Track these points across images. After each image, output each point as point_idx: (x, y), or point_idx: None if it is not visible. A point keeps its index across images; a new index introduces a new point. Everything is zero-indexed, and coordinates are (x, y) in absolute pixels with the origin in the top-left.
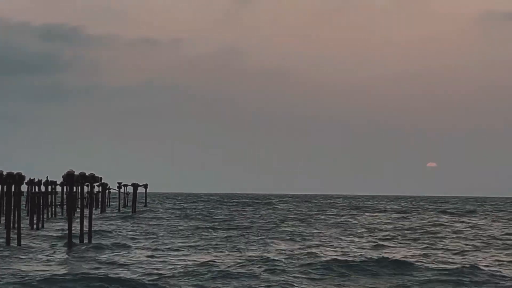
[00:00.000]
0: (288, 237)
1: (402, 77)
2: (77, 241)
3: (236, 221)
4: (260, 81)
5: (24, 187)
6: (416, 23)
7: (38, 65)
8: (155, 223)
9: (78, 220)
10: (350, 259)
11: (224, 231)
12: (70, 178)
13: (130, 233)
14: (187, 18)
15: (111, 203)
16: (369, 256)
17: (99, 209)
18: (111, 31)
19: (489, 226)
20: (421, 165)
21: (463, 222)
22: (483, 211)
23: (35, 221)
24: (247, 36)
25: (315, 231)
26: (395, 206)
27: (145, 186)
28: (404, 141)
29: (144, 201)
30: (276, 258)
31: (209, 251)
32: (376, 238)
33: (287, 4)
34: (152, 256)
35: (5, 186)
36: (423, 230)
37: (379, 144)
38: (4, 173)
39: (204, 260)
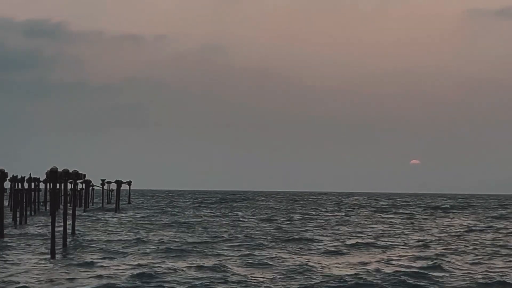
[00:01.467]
0: None
1: (386, 75)
2: (60, 240)
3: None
4: (244, 77)
5: (7, 184)
6: (402, 22)
7: (21, 61)
8: (138, 221)
9: (61, 217)
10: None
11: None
12: (53, 175)
13: (112, 231)
14: (171, 14)
15: (94, 200)
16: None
17: (82, 206)
18: (95, 27)
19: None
20: (405, 163)
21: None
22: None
23: (18, 218)
24: (231, 33)
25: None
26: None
27: (129, 183)
28: (388, 139)
29: (127, 198)
30: None
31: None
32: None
33: (271, 2)
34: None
35: None
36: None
37: (363, 141)
38: None
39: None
